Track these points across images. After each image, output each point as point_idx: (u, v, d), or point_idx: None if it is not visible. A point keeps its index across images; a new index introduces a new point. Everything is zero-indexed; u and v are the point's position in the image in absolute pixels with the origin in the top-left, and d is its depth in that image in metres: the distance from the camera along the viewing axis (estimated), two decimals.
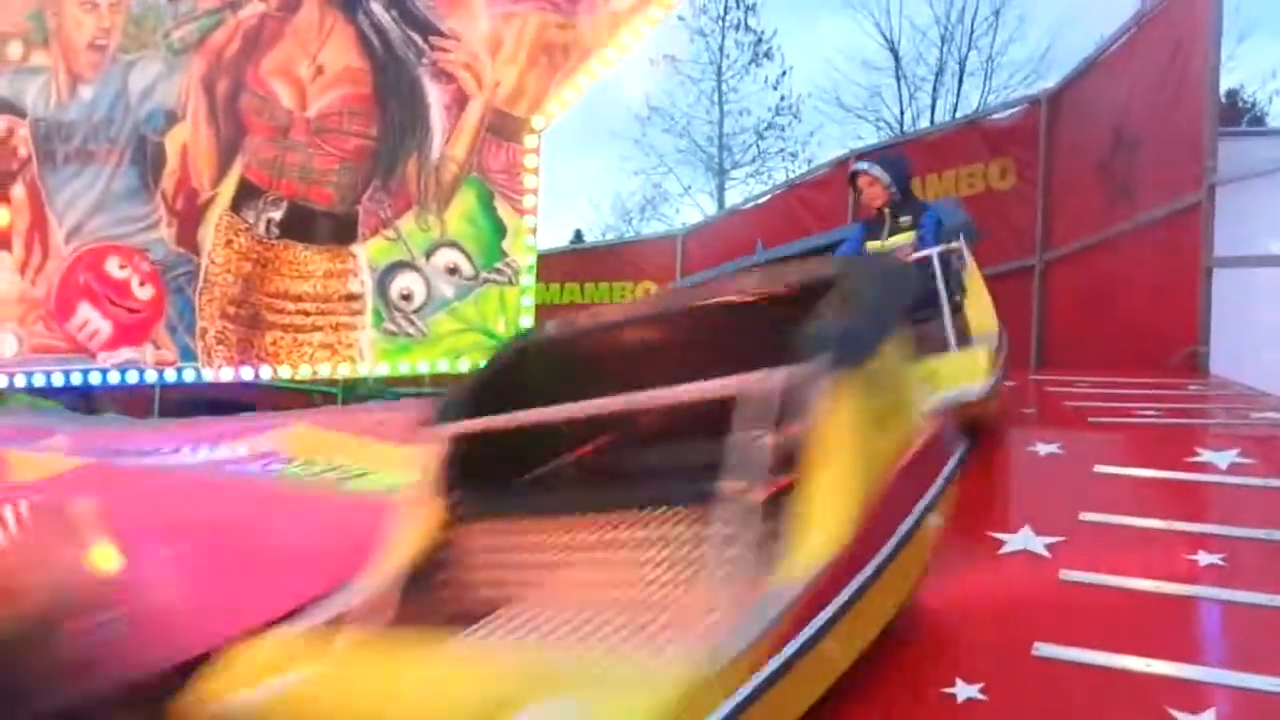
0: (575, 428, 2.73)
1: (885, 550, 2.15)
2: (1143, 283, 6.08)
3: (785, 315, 2.27)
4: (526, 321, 7.48)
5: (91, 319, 7.46)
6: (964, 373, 3.72)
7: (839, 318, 2.26)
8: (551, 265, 10.26)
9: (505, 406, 2.55)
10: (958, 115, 17.87)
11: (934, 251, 4.24)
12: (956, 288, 4.33)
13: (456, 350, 7.47)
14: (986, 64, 19.93)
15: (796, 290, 2.56)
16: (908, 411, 2.47)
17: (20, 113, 7.44)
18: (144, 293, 7.48)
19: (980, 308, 4.41)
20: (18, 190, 7.45)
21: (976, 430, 3.40)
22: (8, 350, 7.36)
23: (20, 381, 7.33)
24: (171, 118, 7.45)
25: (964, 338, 4.16)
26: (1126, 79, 6.59)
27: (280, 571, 2.92)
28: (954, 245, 4.39)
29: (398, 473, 3.64)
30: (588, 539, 2.41)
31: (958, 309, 4.28)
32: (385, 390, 8.64)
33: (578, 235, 22.82)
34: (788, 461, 2.07)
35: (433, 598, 2.47)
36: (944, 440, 2.57)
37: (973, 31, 19.83)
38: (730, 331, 2.63)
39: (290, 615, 2.34)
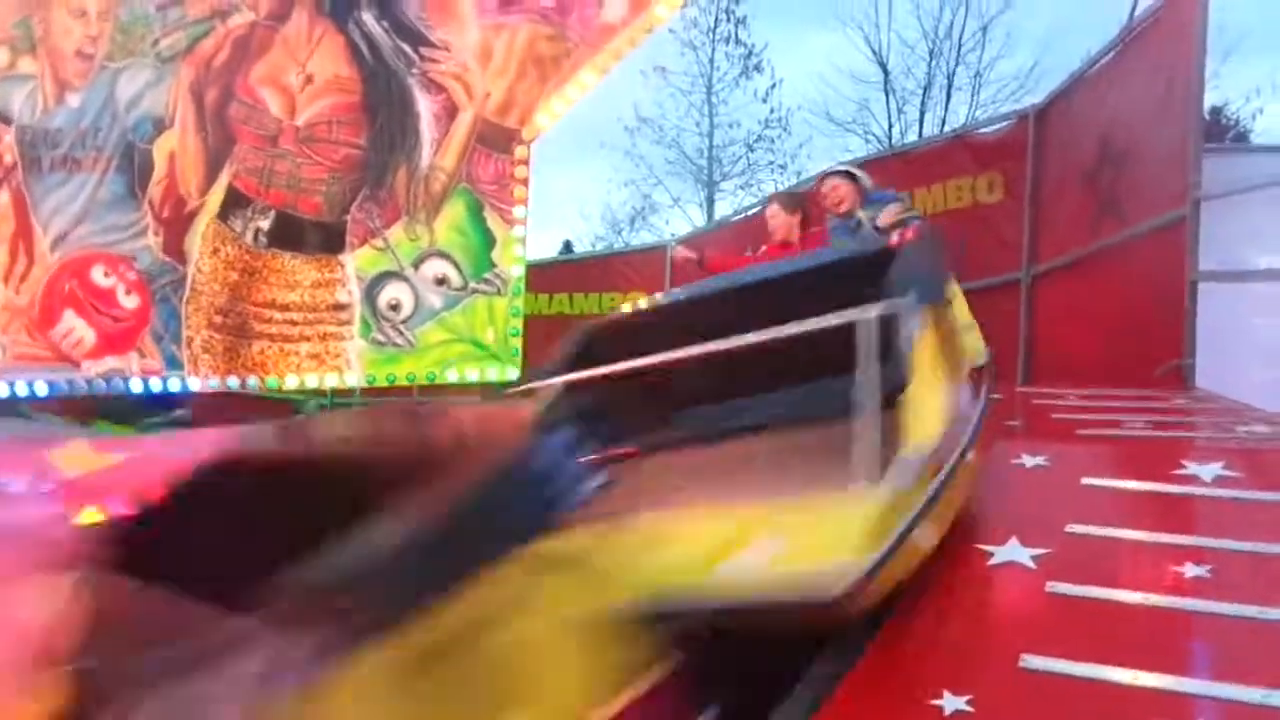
0: (685, 378, 3.19)
1: (964, 439, 2.86)
2: (1129, 297, 6.12)
3: (850, 283, 2.92)
4: (515, 332, 7.46)
5: (76, 327, 7.41)
6: (835, 539, 2.30)
7: (913, 270, 2.94)
8: (541, 276, 10.26)
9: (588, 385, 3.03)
10: (946, 129, 17.99)
11: (859, 317, 2.83)
12: (895, 371, 2.80)
13: (445, 361, 7.44)
14: (974, 79, 20.13)
15: (861, 260, 3.31)
16: (963, 349, 3.19)
17: (6, 120, 7.41)
18: (129, 301, 7.43)
19: (926, 407, 2.76)
20: (2, 197, 7.40)
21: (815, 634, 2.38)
22: None
23: (2, 390, 7.26)
24: (159, 126, 7.41)
25: (886, 458, 2.60)
26: (1113, 94, 6.65)
27: None
28: (898, 303, 2.89)
29: None
30: (737, 454, 2.98)
31: (888, 403, 2.72)
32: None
33: (567, 246, 22.84)
34: (897, 369, 2.72)
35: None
36: (985, 375, 3.35)
37: (960, 47, 20.01)
38: (794, 301, 3.03)
39: None
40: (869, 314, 2.76)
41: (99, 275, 7.41)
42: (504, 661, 1.51)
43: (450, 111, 7.44)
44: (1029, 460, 3.59)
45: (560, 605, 1.66)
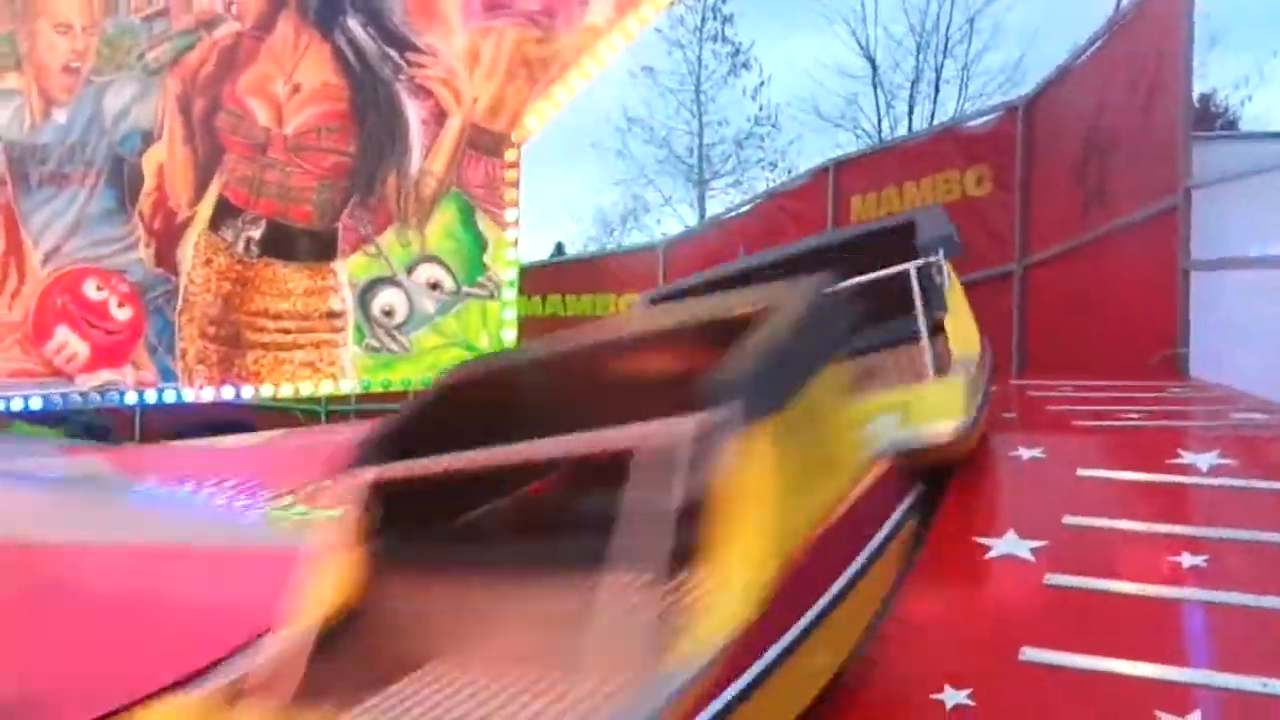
0: (494, 473, 2.48)
1: (804, 621, 1.95)
2: (1122, 286, 6.13)
3: (712, 351, 2.07)
4: (509, 335, 7.47)
5: (69, 342, 7.39)
6: (940, 407, 3.42)
7: (754, 357, 2.04)
8: (533, 278, 10.25)
9: (428, 448, 2.34)
10: (935, 123, 18.02)
11: (911, 266, 3.88)
12: (938, 305, 3.96)
13: (439, 365, 7.43)
14: (962, 72, 20.08)
15: (725, 322, 2.32)
16: (842, 460, 2.28)
17: None
18: (122, 314, 7.42)
19: (963, 328, 4.03)
20: None
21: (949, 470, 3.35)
22: None
23: None
24: (148, 138, 7.41)
25: (944, 363, 3.79)
26: (1101, 85, 6.66)
27: (173, 635, 2.81)
28: (932, 259, 3.99)
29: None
30: (507, 595, 2.25)
31: (937, 329, 3.92)
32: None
33: (559, 248, 22.81)
34: (692, 522, 1.87)
35: (345, 660, 2.25)
36: (891, 489, 2.41)
37: (948, 40, 20.01)
38: (658, 367, 2.45)
39: (189, 680, 2.25)
40: (913, 266, 3.82)
41: (91, 289, 7.40)
42: (828, 435, 2.25)
43: (439, 116, 7.44)
44: (1025, 453, 3.60)
45: (847, 411, 2.43)
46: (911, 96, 20.68)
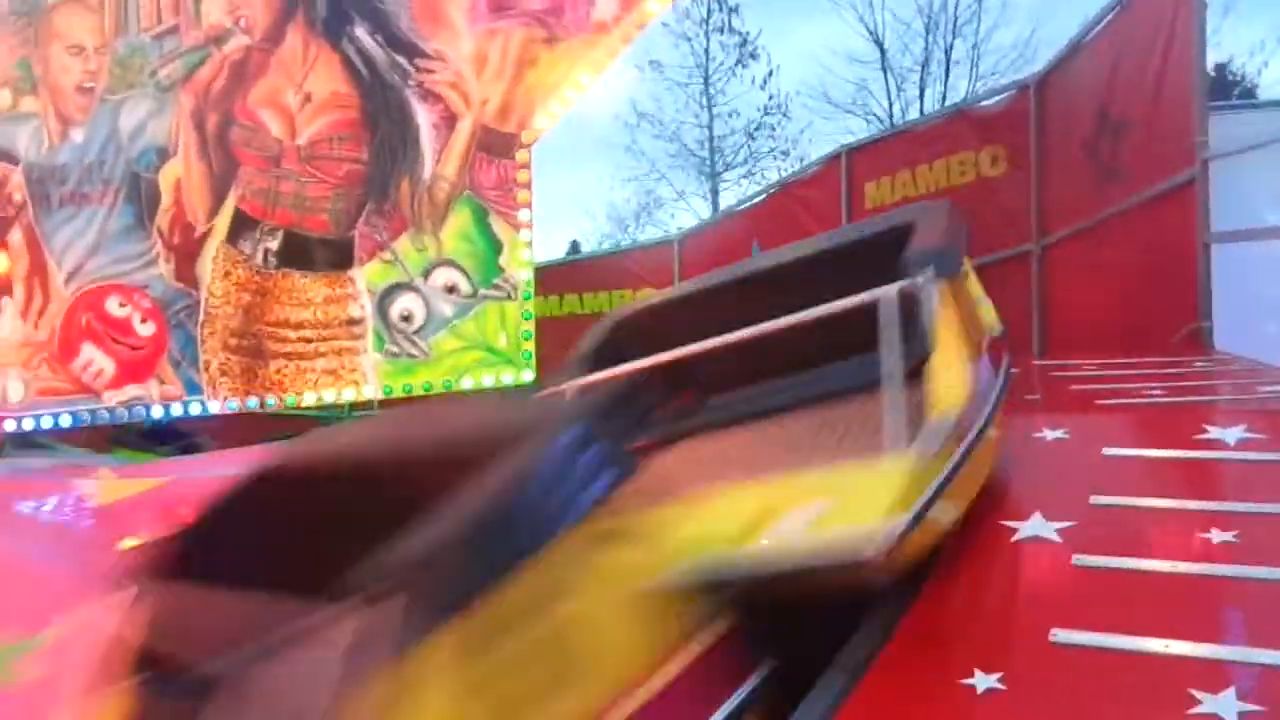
0: (711, 365, 3.23)
1: (985, 411, 2.87)
2: (1141, 262, 6.07)
3: (869, 261, 2.97)
4: (527, 336, 7.49)
5: (95, 359, 7.50)
6: (866, 502, 2.34)
7: (931, 244, 2.99)
8: (549, 277, 10.28)
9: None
10: (946, 104, 17.89)
11: (881, 294, 2.84)
12: (919, 341, 2.88)
13: (459, 368, 7.49)
14: (972, 51, 19.96)
15: (876, 239, 3.32)
16: (981, 315, 3.23)
17: (12, 159, 7.51)
18: (145, 329, 7.51)
19: (954, 369, 2.85)
20: (15, 236, 7.50)
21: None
22: (15, 395, 7.39)
23: (29, 425, 7.36)
24: (163, 154, 7.49)
25: (913, 423, 2.65)
26: (1114, 58, 6.58)
27: None
28: (917, 280, 2.91)
29: None
30: (768, 434, 3.05)
31: (914, 373, 2.80)
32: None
33: (574, 246, 22.85)
34: (919, 343, 2.80)
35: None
36: (1002, 349, 3.33)
37: (956, 19, 19.86)
38: (816, 282, 3.11)
39: None
40: (889, 292, 2.81)
41: (114, 306, 7.50)
42: (564, 633, 1.64)
43: (449, 120, 7.47)
44: (1049, 433, 3.57)
45: (612, 579, 1.79)
46: (922, 79, 20.57)
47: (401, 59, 7.43)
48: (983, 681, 2.18)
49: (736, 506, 2.56)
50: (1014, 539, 2.85)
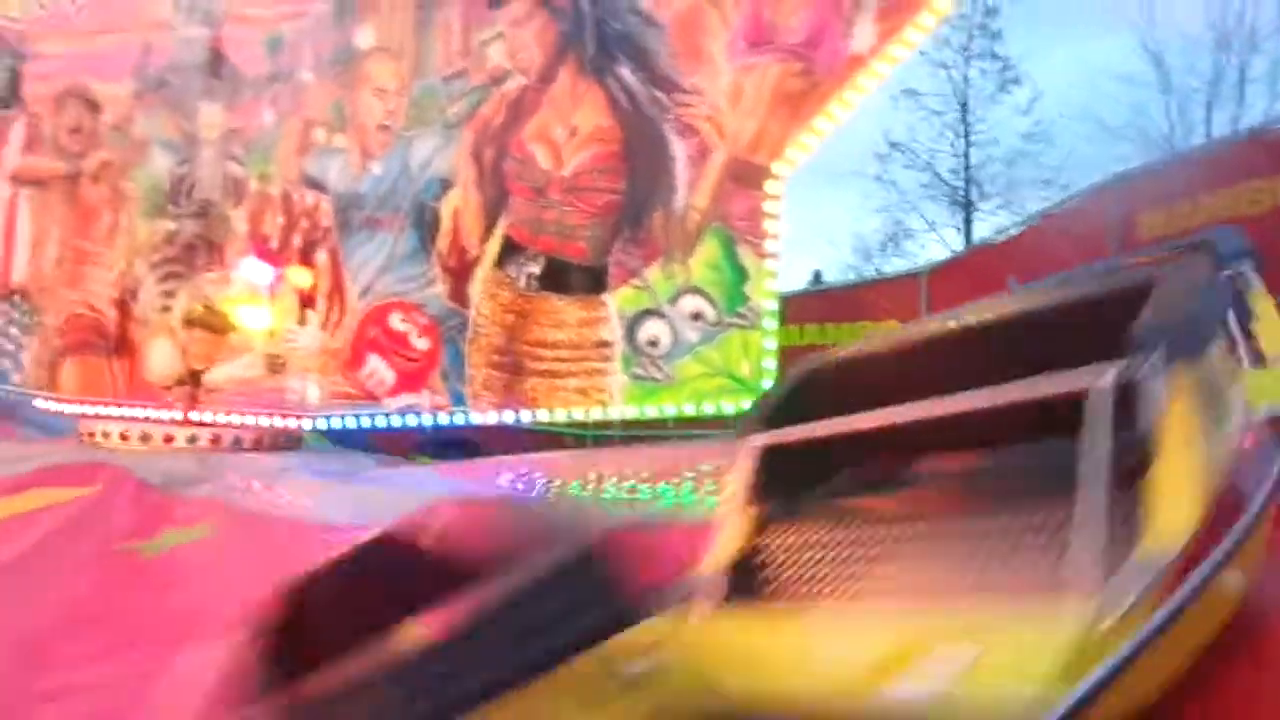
0: (877, 437, 2.75)
1: (1231, 538, 2.16)
2: None
3: (1095, 323, 2.33)
4: (769, 364, 7.53)
5: (378, 369, 8.35)
6: (1016, 664, 1.85)
7: (1166, 317, 2.28)
8: (791, 307, 10.26)
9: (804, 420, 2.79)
10: (1240, 128, 16.18)
11: (1090, 383, 2.20)
12: (1136, 447, 2.18)
13: (701, 394, 7.64)
14: (1274, 68, 17.93)
15: (1104, 298, 2.64)
16: (1232, 413, 2.43)
17: (324, 188, 8.57)
18: (421, 344, 8.27)
19: (1173, 496, 2.10)
20: (321, 256, 8.54)
21: None
22: (314, 397, 8.37)
23: (322, 425, 8.32)
24: (446, 185, 8.26)
25: (1114, 559, 1.98)
26: None
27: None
28: (1145, 361, 2.21)
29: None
30: (916, 532, 2.52)
31: (1126, 485, 2.13)
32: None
33: (816, 276, 22.67)
34: (1136, 449, 2.12)
35: (757, 588, 2.64)
36: (1269, 446, 2.48)
37: (1255, 33, 17.94)
38: (1036, 341, 2.62)
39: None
40: (1103, 380, 2.15)
41: (396, 321, 8.33)
42: (1223, 395, 1.96)
43: (703, 152, 7.69)
44: None
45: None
46: (1210, 100, 18.71)
47: (661, 94, 7.75)
48: None
49: (861, 640, 2.13)
50: None
